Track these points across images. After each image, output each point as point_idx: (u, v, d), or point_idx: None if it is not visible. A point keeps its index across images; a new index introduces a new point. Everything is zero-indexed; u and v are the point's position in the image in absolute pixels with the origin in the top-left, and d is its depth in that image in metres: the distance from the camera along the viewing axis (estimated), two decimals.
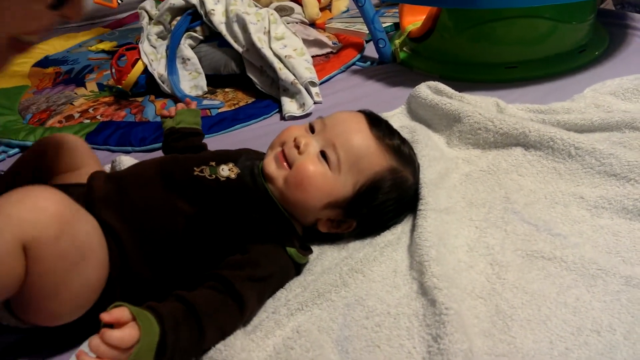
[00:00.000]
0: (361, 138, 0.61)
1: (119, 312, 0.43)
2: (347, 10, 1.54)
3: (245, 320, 0.53)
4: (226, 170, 0.59)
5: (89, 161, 0.69)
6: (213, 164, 0.59)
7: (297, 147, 0.60)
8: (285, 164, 0.60)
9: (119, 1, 1.27)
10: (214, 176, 0.58)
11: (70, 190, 0.56)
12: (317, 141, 0.61)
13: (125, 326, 0.43)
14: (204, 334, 0.47)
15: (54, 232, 0.45)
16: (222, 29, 1.08)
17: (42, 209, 0.46)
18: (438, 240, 0.59)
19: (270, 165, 0.60)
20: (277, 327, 0.53)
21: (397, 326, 0.51)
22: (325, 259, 0.62)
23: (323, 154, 0.60)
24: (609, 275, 0.54)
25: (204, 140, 0.79)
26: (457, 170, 0.74)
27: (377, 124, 0.63)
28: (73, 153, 0.68)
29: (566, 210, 0.64)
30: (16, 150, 0.99)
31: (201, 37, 1.14)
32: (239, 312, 0.51)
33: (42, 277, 0.46)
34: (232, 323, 0.51)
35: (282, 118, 1.00)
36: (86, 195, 0.56)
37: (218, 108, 1.04)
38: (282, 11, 1.39)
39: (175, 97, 1.07)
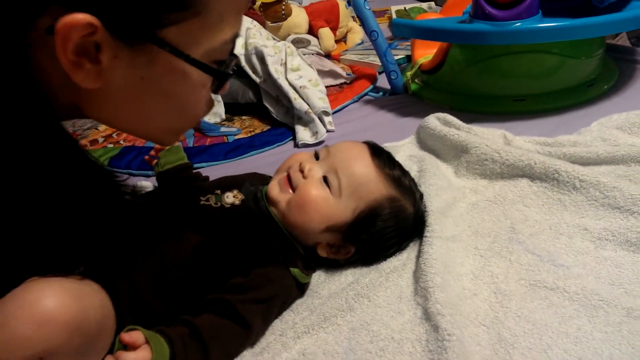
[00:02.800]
0: (362, 166, 0.64)
1: (136, 335, 0.47)
2: (362, 43, 1.59)
3: (253, 341, 0.55)
4: (231, 197, 0.62)
5: None
6: (218, 192, 0.63)
7: (302, 171, 0.63)
8: (289, 188, 0.63)
9: None
10: (219, 204, 0.61)
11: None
12: (321, 167, 0.64)
13: (139, 348, 0.46)
14: (208, 357, 0.50)
15: (64, 340, 0.43)
16: (242, 60, 1.13)
17: (48, 321, 0.42)
18: (443, 267, 0.60)
19: (274, 189, 0.63)
20: (284, 349, 0.55)
21: (401, 351, 0.53)
22: (332, 284, 0.64)
23: (325, 179, 0.63)
24: (611, 307, 0.54)
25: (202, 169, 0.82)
26: (464, 200, 0.76)
27: (379, 154, 0.66)
28: None
29: (570, 242, 0.65)
30: None
31: None
32: (243, 334, 0.53)
33: None
34: (237, 345, 0.53)
35: (296, 145, 1.04)
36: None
37: (235, 135, 1.08)
38: (299, 43, 1.45)
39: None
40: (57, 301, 0.43)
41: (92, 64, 0.40)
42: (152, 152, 0.82)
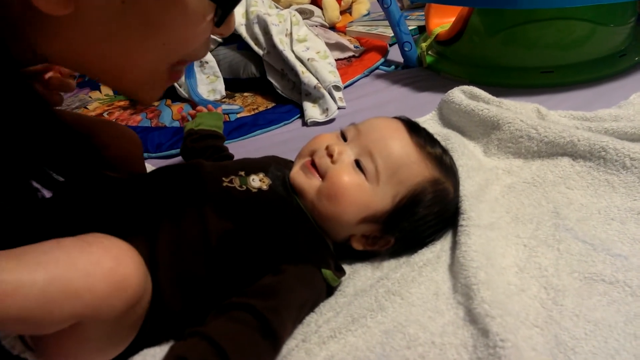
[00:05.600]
0: (401, 145, 0.55)
1: None
2: (368, 14, 1.50)
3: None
4: (257, 181, 0.54)
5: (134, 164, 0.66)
6: (242, 173, 0.54)
7: (330, 155, 0.55)
8: (315, 172, 0.55)
9: None
10: (244, 187, 0.53)
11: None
12: (352, 149, 0.56)
13: None
14: None
15: (115, 316, 0.39)
16: (242, 30, 1.04)
17: (123, 289, 0.38)
18: (485, 260, 0.53)
19: (299, 176, 0.55)
20: (308, 357, 0.47)
21: (444, 358, 0.46)
22: (358, 279, 0.56)
23: (358, 163, 0.55)
24: None
25: (227, 145, 0.75)
26: (497, 182, 0.69)
27: (417, 131, 0.58)
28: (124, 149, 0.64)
29: (624, 228, 0.58)
30: None
31: (220, 40, 1.09)
32: (272, 350, 0.45)
33: (72, 346, 0.40)
34: None
35: (304, 124, 0.95)
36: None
37: (237, 113, 0.99)
38: (302, 14, 1.35)
39: (193, 102, 1.02)
40: (137, 272, 0.40)
41: None
42: (192, 112, 0.78)
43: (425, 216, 0.55)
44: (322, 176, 0.54)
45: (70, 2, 0.33)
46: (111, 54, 0.38)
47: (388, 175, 0.53)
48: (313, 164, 0.55)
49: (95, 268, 0.37)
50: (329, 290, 0.54)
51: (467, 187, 0.63)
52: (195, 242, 0.48)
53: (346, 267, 0.57)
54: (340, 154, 0.54)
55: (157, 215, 0.50)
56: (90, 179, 0.54)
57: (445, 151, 0.60)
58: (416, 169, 0.54)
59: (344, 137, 0.58)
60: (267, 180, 0.54)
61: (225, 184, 0.53)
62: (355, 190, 0.53)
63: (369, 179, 0.54)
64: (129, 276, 0.39)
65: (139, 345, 0.48)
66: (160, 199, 0.52)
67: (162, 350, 0.49)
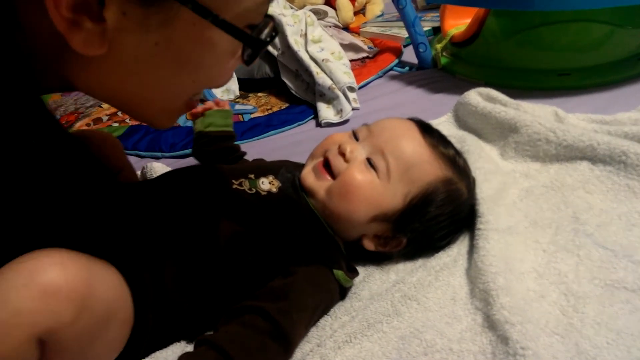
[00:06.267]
0: (413, 145, 0.55)
1: None
2: (382, 15, 1.49)
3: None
4: (267, 184, 0.54)
5: (125, 165, 0.66)
6: (252, 176, 0.54)
7: (343, 154, 0.55)
8: (327, 174, 0.55)
9: None
10: (254, 190, 0.53)
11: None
12: (364, 148, 0.56)
13: None
14: None
15: (71, 317, 0.37)
16: None
17: (53, 293, 0.36)
18: (504, 265, 0.52)
19: (309, 177, 0.55)
20: None
21: None
22: (373, 283, 0.56)
23: (369, 161, 0.54)
24: None
25: (240, 144, 0.75)
26: (515, 185, 0.68)
27: (430, 132, 0.58)
28: (114, 154, 0.64)
29: None
30: None
31: None
32: (284, 354, 0.45)
33: (62, 356, 0.39)
34: None
35: (318, 125, 0.95)
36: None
37: (251, 113, 0.99)
38: (316, 14, 1.34)
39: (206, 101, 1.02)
40: (62, 270, 0.37)
41: (93, 23, 0.32)
42: (200, 109, 0.74)
43: (437, 216, 0.55)
44: (334, 176, 0.54)
45: (104, 44, 0.33)
46: (139, 89, 0.39)
47: (400, 173, 0.53)
48: (326, 164, 0.55)
49: (9, 293, 0.35)
50: (343, 292, 0.53)
51: (485, 191, 0.63)
52: (202, 243, 0.48)
53: (361, 270, 0.57)
54: (353, 153, 0.54)
55: (166, 217, 0.50)
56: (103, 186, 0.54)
57: (458, 152, 0.60)
58: (428, 168, 0.54)
59: (356, 137, 0.58)
60: (277, 183, 0.54)
61: (234, 186, 0.53)
62: (367, 188, 0.53)
63: (381, 176, 0.53)
64: (51, 282, 0.36)
65: (149, 347, 0.48)
66: (169, 201, 0.52)
67: (173, 352, 0.48)
